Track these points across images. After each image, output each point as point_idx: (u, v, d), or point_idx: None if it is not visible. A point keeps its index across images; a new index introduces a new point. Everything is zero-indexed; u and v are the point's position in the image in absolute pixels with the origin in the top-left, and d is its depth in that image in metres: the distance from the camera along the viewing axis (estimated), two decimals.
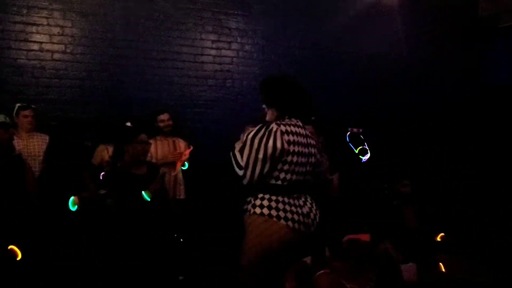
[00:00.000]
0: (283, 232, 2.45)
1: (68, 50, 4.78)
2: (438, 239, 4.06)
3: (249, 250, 2.47)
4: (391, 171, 4.66)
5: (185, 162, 4.41)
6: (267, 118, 2.67)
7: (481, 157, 6.19)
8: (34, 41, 4.65)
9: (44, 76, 4.68)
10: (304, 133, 2.60)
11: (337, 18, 5.97)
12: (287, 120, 2.57)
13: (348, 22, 6.01)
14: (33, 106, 4.23)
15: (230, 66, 5.49)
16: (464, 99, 6.42)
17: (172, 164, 4.37)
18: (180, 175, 4.54)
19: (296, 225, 2.48)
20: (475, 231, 4.47)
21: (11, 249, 3.18)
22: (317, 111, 3.29)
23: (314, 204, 2.65)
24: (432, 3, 6.44)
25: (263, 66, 5.58)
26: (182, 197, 4.56)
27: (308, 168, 2.60)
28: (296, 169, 2.52)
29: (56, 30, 4.74)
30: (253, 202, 2.51)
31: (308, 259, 2.92)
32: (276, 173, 2.48)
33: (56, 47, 4.74)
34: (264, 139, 2.42)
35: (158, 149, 4.47)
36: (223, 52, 5.45)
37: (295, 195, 2.54)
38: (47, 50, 4.70)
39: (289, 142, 2.46)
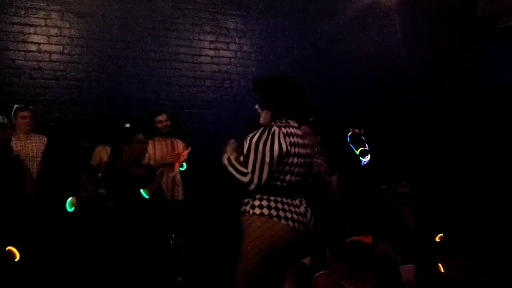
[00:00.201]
0: (284, 232, 2.46)
1: (66, 51, 4.78)
2: (437, 239, 4.05)
3: (251, 252, 2.46)
4: (390, 171, 4.65)
5: (184, 163, 4.40)
6: (261, 119, 2.65)
7: (480, 158, 6.18)
8: (32, 42, 4.65)
9: (42, 77, 4.67)
10: (301, 134, 2.60)
11: (336, 18, 5.97)
12: (284, 122, 2.56)
13: (347, 22, 6.01)
14: (31, 107, 4.22)
15: (228, 66, 5.48)
16: (463, 99, 6.42)
17: (170, 165, 4.35)
18: (179, 176, 4.53)
19: (296, 225, 2.49)
20: (474, 231, 4.46)
21: (10, 250, 3.16)
22: (316, 111, 3.29)
23: (307, 204, 2.66)
24: (431, 3, 6.44)
25: (262, 67, 5.57)
26: (180, 198, 4.55)
27: (305, 169, 2.61)
28: (295, 170, 2.53)
29: (54, 31, 4.73)
30: (251, 203, 2.50)
31: (307, 260, 2.91)
32: (276, 174, 2.49)
33: (54, 48, 4.73)
34: (269, 143, 2.43)
35: (156, 150, 4.46)
36: (221, 52, 5.45)
37: (292, 196, 2.55)
38: (45, 51, 4.70)
39: (291, 144, 2.48)
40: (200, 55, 5.35)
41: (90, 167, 3.99)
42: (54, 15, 4.73)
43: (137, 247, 3.37)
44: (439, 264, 3.58)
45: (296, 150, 2.50)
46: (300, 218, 2.52)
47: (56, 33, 4.74)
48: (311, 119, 3.45)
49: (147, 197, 3.48)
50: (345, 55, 5.95)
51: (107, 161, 3.82)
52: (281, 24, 5.73)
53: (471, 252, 3.92)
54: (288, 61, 5.69)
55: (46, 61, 4.69)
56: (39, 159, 4.15)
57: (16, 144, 3.96)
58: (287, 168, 2.49)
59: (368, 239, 2.89)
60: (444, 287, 3.37)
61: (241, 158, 2.54)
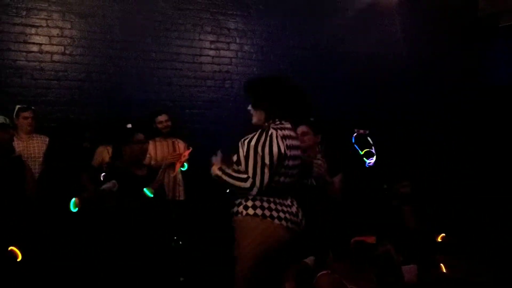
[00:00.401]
0: (279, 232, 2.47)
1: (67, 52, 4.78)
2: (439, 239, 4.06)
3: (248, 254, 2.44)
4: (391, 171, 4.66)
5: (185, 163, 4.40)
6: (254, 120, 2.63)
7: (480, 157, 6.18)
8: (34, 43, 4.65)
9: (43, 78, 4.68)
10: (295, 135, 2.61)
11: (336, 18, 5.97)
12: (279, 124, 2.54)
13: (347, 22, 6.01)
14: (33, 108, 4.22)
15: (229, 66, 5.48)
16: (464, 99, 6.41)
17: (171, 165, 4.36)
18: (180, 176, 4.54)
19: (290, 224, 2.50)
20: (475, 231, 4.47)
21: (12, 250, 3.17)
22: (316, 111, 3.29)
23: (298, 205, 2.65)
24: (431, 3, 6.44)
25: (262, 67, 5.57)
26: (181, 198, 4.56)
27: (297, 170, 2.60)
28: (289, 172, 2.53)
29: (55, 31, 4.74)
30: (244, 203, 2.49)
31: (309, 260, 2.92)
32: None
33: (55, 48, 4.74)
34: (268, 145, 2.41)
35: (157, 150, 4.47)
36: (222, 52, 5.45)
37: (283, 196, 2.55)
38: (47, 52, 4.70)
39: (287, 147, 2.47)
40: (200, 55, 5.35)
41: (91, 168, 3.99)
42: (55, 16, 4.74)
43: (139, 247, 3.37)
44: (441, 264, 3.59)
45: (292, 152, 2.50)
46: (293, 218, 2.53)
47: (58, 34, 4.75)
48: (311, 119, 3.46)
49: (151, 196, 3.49)
50: (345, 55, 5.95)
51: (108, 161, 3.83)
52: (281, 24, 5.73)
53: (472, 252, 3.92)
54: (288, 61, 5.69)
55: (48, 62, 4.69)
56: (41, 159, 4.13)
57: (18, 145, 3.96)
58: (282, 170, 2.48)
59: (371, 240, 2.90)
60: (446, 287, 3.38)
61: (235, 167, 2.50)
